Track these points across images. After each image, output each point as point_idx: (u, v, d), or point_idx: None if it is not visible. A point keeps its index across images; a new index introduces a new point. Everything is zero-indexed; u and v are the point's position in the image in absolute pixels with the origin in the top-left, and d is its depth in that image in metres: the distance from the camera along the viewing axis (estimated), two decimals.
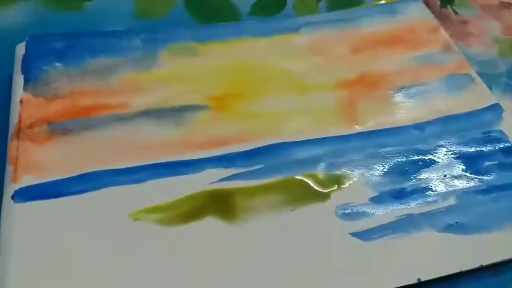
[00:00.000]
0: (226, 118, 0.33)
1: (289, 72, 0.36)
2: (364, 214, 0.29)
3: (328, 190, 0.30)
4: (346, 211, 0.29)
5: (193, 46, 0.36)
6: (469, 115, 0.34)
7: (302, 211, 0.29)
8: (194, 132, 0.32)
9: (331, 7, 0.42)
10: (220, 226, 0.28)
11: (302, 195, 0.29)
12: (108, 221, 0.27)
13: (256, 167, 0.30)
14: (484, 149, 0.33)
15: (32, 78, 0.33)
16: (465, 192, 0.30)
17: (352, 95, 0.35)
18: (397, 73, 0.36)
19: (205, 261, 0.27)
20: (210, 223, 0.28)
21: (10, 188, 0.28)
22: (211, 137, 0.32)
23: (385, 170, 0.31)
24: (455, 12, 0.42)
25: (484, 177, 0.31)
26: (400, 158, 0.32)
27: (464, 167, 0.32)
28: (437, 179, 0.31)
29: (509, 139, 0.33)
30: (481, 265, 0.28)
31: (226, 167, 0.30)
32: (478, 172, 0.32)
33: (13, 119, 0.31)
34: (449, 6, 0.43)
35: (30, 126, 0.31)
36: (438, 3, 0.43)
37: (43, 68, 0.34)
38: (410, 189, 0.30)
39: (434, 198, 0.30)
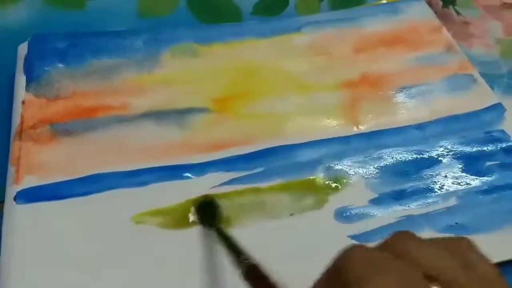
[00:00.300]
0: (227, 120, 0.33)
1: (291, 73, 0.36)
2: (363, 216, 0.29)
3: (327, 193, 0.30)
4: (346, 214, 0.29)
5: (195, 48, 0.36)
6: (471, 115, 0.34)
7: (301, 215, 0.29)
8: (196, 135, 0.32)
9: (333, 7, 0.42)
10: None
11: (301, 199, 0.29)
12: (110, 223, 0.28)
13: (256, 170, 0.30)
14: (485, 149, 0.33)
15: (34, 79, 0.33)
16: (466, 192, 0.30)
17: (353, 95, 0.35)
18: (399, 73, 0.36)
19: (206, 264, 0.27)
20: None
21: (12, 189, 0.28)
22: (213, 140, 0.32)
23: (385, 171, 0.31)
24: (457, 13, 0.42)
25: (485, 177, 0.31)
26: (401, 159, 0.32)
27: (465, 168, 0.32)
28: (438, 180, 0.31)
29: (511, 139, 0.33)
30: None
31: (227, 171, 0.30)
32: (479, 172, 0.32)
33: (15, 120, 0.31)
34: (451, 7, 0.43)
35: (33, 126, 0.31)
36: (440, 3, 0.43)
37: (45, 68, 0.34)
38: (410, 190, 0.30)
39: (434, 199, 0.30)
